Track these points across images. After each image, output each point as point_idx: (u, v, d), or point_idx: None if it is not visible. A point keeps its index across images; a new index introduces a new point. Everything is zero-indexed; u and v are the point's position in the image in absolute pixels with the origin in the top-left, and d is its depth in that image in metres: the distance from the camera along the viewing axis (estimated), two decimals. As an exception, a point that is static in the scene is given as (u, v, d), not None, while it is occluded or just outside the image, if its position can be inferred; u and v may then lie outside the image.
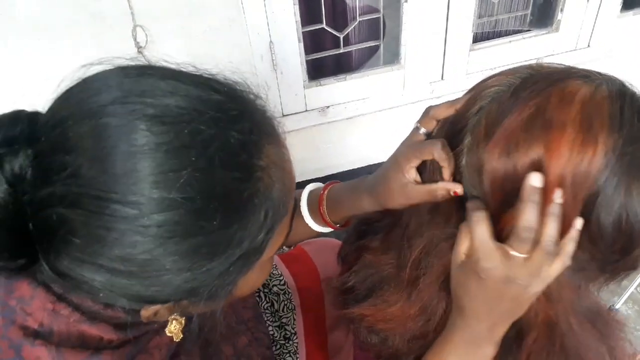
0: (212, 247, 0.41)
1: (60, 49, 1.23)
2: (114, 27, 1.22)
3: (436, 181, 0.54)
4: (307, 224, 0.73)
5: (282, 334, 0.80)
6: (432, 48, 1.51)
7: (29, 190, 0.39)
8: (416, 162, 0.56)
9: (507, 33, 1.62)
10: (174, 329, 0.50)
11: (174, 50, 1.30)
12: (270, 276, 0.87)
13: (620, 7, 1.62)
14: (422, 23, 1.44)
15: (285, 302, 0.83)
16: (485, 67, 1.60)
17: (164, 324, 0.51)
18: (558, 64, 0.52)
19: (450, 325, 0.55)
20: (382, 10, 1.47)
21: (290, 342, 0.79)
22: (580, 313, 0.53)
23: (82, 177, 0.37)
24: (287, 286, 0.85)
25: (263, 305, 0.83)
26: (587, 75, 0.48)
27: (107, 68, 0.44)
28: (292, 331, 0.80)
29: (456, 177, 0.53)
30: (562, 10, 1.56)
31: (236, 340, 0.69)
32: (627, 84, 0.49)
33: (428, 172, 0.56)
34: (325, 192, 0.72)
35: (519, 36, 1.59)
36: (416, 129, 0.59)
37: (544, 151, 0.45)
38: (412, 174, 0.57)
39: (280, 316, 0.82)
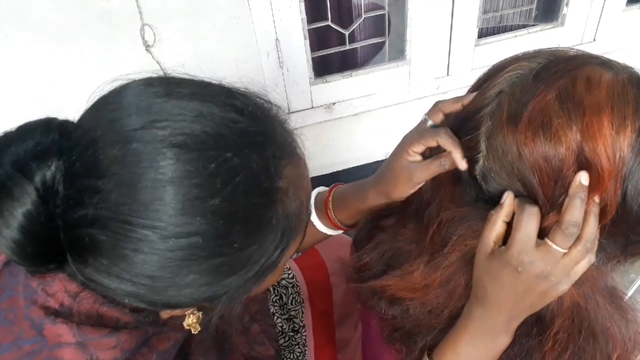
0: (232, 266, 0.43)
1: (71, 50, 1.25)
2: (122, 26, 1.24)
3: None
4: (316, 228, 0.74)
5: (291, 326, 0.81)
6: (437, 44, 1.52)
7: (60, 204, 0.41)
8: (419, 147, 0.58)
9: (513, 28, 1.62)
10: (191, 322, 0.52)
11: (182, 48, 1.32)
12: (279, 270, 0.88)
13: (626, 1, 1.62)
14: (427, 19, 1.45)
15: (294, 295, 0.84)
16: (491, 62, 1.58)
17: (182, 318, 0.53)
18: (573, 49, 0.53)
19: (466, 314, 0.55)
20: (387, 7, 1.47)
21: (299, 335, 0.80)
22: (603, 291, 0.54)
23: (112, 202, 0.39)
24: (296, 280, 0.86)
25: (272, 298, 0.84)
26: (605, 62, 0.49)
27: (134, 80, 0.45)
28: (301, 324, 0.82)
29: (471, 163, 0.53)
30: (567, 4, 1.56)
31: (248, 331, 0.71)
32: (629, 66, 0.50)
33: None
34: (331, 194, 0.73)
35: (524, 31, 1.59)
36: (423, 121, 0.60)
37: (582, 135, 0.45)
38: (416, 158, 0.59)
39: (289, 309, 0.83)
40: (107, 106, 0.43)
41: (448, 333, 0.57)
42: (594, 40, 1.66)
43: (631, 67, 0.50)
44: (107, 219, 0.39)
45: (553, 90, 0.47)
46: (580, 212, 0.46)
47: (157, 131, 0.40)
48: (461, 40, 1.52)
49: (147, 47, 1.28)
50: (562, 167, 0.46)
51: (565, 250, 0.46)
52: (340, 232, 0.75)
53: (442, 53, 1.54)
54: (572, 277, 0.48)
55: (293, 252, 0.51)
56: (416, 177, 0.59)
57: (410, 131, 0.62)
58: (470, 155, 0.52)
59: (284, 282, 0.86)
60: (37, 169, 0.40)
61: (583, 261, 0.47)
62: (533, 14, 1.64)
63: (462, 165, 0.52)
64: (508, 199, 0.49)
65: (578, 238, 0.46)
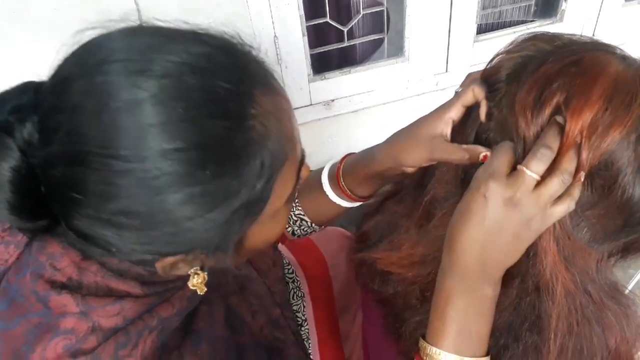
0: (209, 197, 0.42)
1: (71, 47, 1.24)
2: (121, 24, 1.24)
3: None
4: (331, 200, 0.74)
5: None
6: (436, 40, 1.51)
7: (36, 152, 0.42)
8: (457, 111, 0.56)
9: (512, 24, 1.62)
10: (196, 282, 0.52)
11: (180, 45, 1.31)
12: (279, 266, 0.88)
13: (625, -5, 1.62)
14: (425, 15, 1.45)
15: (295, 290, 0.84)
16: (490, 58, 1.59)
17: (187, 279, 0.53)
18: (587, 37, 0.54)
19: (440, 276, 0.51)
20: (385, 4, 1.47)
21: (302, 329, 0.80)
22: (600, 284, 0.54)
23: (77, 135, 0.40)
24: (296, 274, 0.86)
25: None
26: (623, 57, 0.50)
27: (103, 31, 0.47)
28: (303, 318, 0.82)
29: (483, 136, 0.53)
30: (566, 0, 1.55)
31: (269, 314, 0.70)
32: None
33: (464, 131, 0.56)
34: (342, 163, 0.73)
35: (523, 27, 1.59)
36: (455, 94, 0.57)
37: (576, 95, 0.46)
38: (448, 128, 0.56)
39: (291, 304, 0.83)
40: (75, 52, 0.45)
41: (432, 304, 0.53)
42: (593, 35, 1.66)
43: (637, 59, 0.50)
44: (73, 153, 0.40)
45: (562, 60, 0.48)
46: (555, 139, 0.45)
47: (117, 64, 0.41)
48: (460, 36, 1.52)
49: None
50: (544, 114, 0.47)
51: (538, 177, 0.45)
52: (356, 203, 0.74)
53: (441, 49, 1.54)
54: (547, 216, 0.46)
55: (287, 193, 0.50)
56: (437, 153, 0.56)
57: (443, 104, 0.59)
58: (484, 127, 0.53)
59: (285, 277, 0.86)
60: (17, 124, 0.42)
61: (560, 204, 0.45)
62: (532, 10, 1.64)
63: (488, 153, 0.50)
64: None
65: (554, 168, 0.45)
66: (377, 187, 0.73)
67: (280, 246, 0.92)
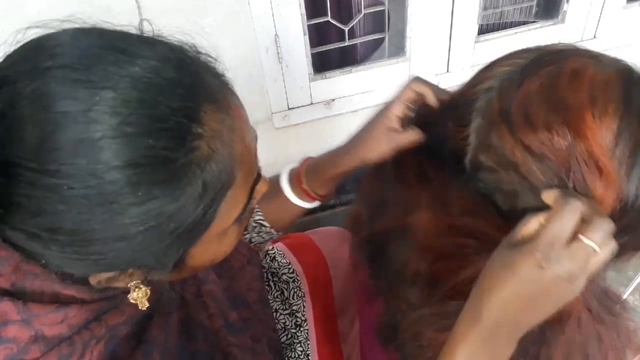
0: (141, 218, 0.40)
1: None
2: (120, 21, 1.23)
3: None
4: (291, 202, 0.76)
5: (293, 321, 0.81)
6: (437, 40, 1.51)
7: None
8: (399, 108, 0.64)
9: (513, 25, 1.61)
10: (136, 296, 0.49)
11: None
12: (279, 265, 0.87)
13: (627, -3, 1.62)
14: (427, 15, 1.44)
15: (295, 290, 0.84)
16: (491, 59, 1.59)
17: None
18: (567, 44, 0.53)
19: (462, 324, 0.47)
20: (386, 3, 1.46)
21: (301, 330, 0.80)
22: (595, 295, 0.53)
23: (5, 142, 0.37)
24: (296, 274, 0.86)
25: (273, 294, 0.84)
26: (594, 56, 0.49)
27: (47, 31, 0.44)
28: (303, 318, 0.81)
29: (459, 151, 0.53)
30: (567, 1, 1.55)
31: (228, 315, 0.68)
32: (632, 65, 0.50)
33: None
34: (305, 165, 0.76)
35: (524, 28, 1.59)
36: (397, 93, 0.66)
37: (571, 134, 0.45)
38: (396, 123, 0.64)
39: (291, 304, 0.82)
40: (16, 51, 0.42)
41: (446, 342, 0.49)
42: (595, 37, 1.66)
43: (622, 61, 0.50)
44: (1, 162, 0.37)
45: (537, 83, 0.47)
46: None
47: (60, 71, 0.38)
48: (461, 36, 1.51)
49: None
50: (556, 161, 0.46)
51: (599, 250, 0.42)
52: (315, 203, 0.77)
53: (442, 50, 1.54)
54: (589, 274, 0.43)
55: (236, 214, 0.47)
56: (394, 143, 0.63)
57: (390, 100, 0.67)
58: (459, 145, 0.52)
59: (284, 277, 0.85)
60: None
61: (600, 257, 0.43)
62: (533, 11, 1.64)
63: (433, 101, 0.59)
64: (550, 195, 0.45)
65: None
66: (336, 184, 0.77)
67: (280, 245, 0.92)
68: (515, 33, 1.58)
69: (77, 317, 0.47)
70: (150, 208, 0.40)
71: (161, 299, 0.56)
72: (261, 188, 0.52)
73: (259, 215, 0.80)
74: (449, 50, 1.54)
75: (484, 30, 1.58)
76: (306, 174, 0.75)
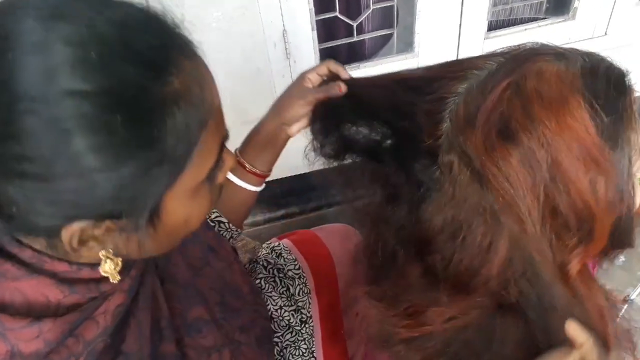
0: (119, 146, 0.39)
1: None
2: None
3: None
4: (237, 185, 0.79)
5: (299, 317, 0.81)
6: (446, 36, 1.50)
7: None
8: (314, 75, 0.73)
9: (523, 21, 1.60)
10: (108, 268, 0.48)
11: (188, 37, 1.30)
12: (285, 261, 0.87)
13: (639, -6, 1.60)
14: (436, 11, 1.43)
15: (301, 286, 0.84)
16: (500, 55, 1.58)
17: (112, 288, 0.50)
18: (535, 43, 0.52)
19: None
20: (395, -2, 1.46)
21: (307, 326, 0.80)
22: None
23: None
24: (302, 270, 0.86)
25: (279, 290, 0.83)
26: (560, 54, 0.48)
27: None
28: (308, 314, 0.81)
29: (434, 154, 0.53)
30: (579, -3, 1.54)
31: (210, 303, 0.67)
32: (606, 58, 0.49)
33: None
34: (240, 145, 0.81)
35: (534, 24, 1.57)
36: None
37: (536, 143, 0.44)
38: (309, 82, 0.72)
39: (296, 300, 0.82)
40: None
41: None
42: (606, 34, 1.64)
43: (595, 55, 0.49)
44: None
45: (502, 90, 0.46)
46: None
47: (34, 10, 0.38)
48: (470, 33, 1.50)
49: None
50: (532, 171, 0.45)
51: None
52: (260, 187, 0.81)
53: (451, 46, 1.53)
54: None
55: (206, 167, 0.47)
56: (309, 96, 0.70)
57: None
58: (433, 144, 0.52)
59: (290, 273, 0.85)
60: None
61: None
62: (544, 7, 1.62)
63: (344, 87, 0.66)
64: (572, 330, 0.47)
65: None
66: (272, 158, 0.81)
67: (286, 241, 0.91)
68: (525, 29, 1.57)
69: (53, 332, 0.46)
70: (129, 135, 0.39)
71: (138, 296, 0.55)
72: (229, 161, 0.53)
73: (215, 212, 0.81)
74: (458, 46, 1.53)
75: (493, 26, 1.57)
76: (240, 148, 0.80)
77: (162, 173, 0.43)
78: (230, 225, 0.82)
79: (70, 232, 0.42)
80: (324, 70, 0.74)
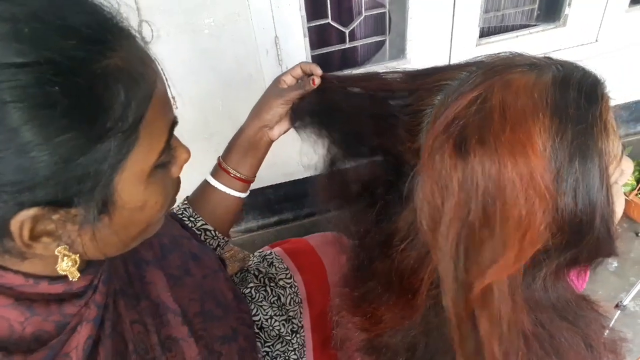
0: (58, 118, 0.37)
1: None
2: (119, 22, 1.22)
3: None
4: (220, 191, 0.79)
5: (290, 327, 0.80)
6: (438, 43, 1.50)
7: None
8: (288, 77, 0.75)
9: (514, 28, 1.61)
10: (65, 266, 0.45)
11: (180, 45, 1.30)
12: (276, 270, 0.86)
13: (629, 1, 1.61)
14: (428, 18, 1.43)
15: (292, 296, 0.83)
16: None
17: (77, 313, 0.49)
18: (513, 52, 0.52)
19: None
20: (387, 5, 1.46)
21: (297, 336, 0.79)
22: (549, 308, 0.52)
23: None
24: (294, 280, 0.85)
25: (270, 299, 0.83)
26: (533, 64, 0.47)
27: None
28: (299, 324, 0.80)
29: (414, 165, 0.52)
30: (569, 4, 1.55)
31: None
32: (580, 66, 0.48)
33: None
34: (223, 152, 0.82)
35: (525, 31, 1.58)
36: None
37: (497, 158, 0.44)
38: (284, 83, 0.75)
39: (287, 310, 0.81)
40: None
41: None
42: (596, 40, 1.65)
43: (570, 64, 0.48)
44: None
45: (467, 102, 0.46)
46: None
47: None
48: (462, 39, 1.51)
49: (145, 43, 1.26)
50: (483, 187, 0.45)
51: None
52: (244, 193, 0.82)
53: (443, 52, 1.53)
54: None
55: (154, 152, 0.45)
56: (285, 95, 0.73)
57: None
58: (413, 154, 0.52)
59: (282, 282, 0.85)
60: None
61: None
62: (535, 14, 1.63)
63: (317, 80, 0.70)
64: None
65: None
66: (255, 162, 0.82)
67: (278, 250, 0.91)
68: (517, 36, 1.57)
69: None
70: (68, 108, 0.38)
71: (103, 323, 0.52)
72: (183, 154, 0.52)
73: (201, 220, 0.81)
74: (450, 53, 1.53)
75: (485, 33, 1.58)
76: (223, 155, 0.81)
77: (106, 150, 0.41)
78: (217, 233, 0.82)
79: (20, 222, 0.40)
80: (297, 71, 0.75)
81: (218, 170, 0.81)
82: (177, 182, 0.54)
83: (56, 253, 0.44)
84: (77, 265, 0.46)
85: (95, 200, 0.42)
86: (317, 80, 0.70)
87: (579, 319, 0.52)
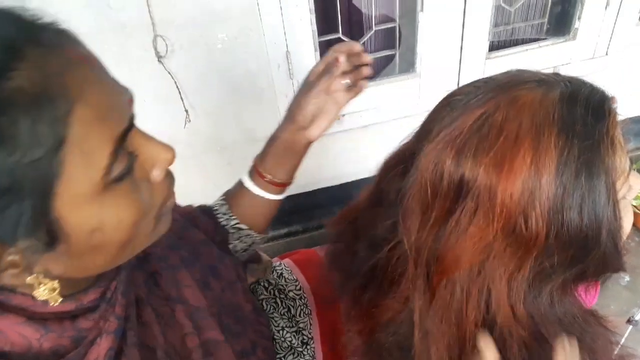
0: None
1: None
2: (135, 37, 1.25)
3: None
4: (256, 195, 0.77)
5: (300, 339, 0.81)
6: (448, 57, 1.52)
7: None
8: (318, 66, 0.72)
9: (524, 41, 1.62)
10: (43, 292, 0.43)
11: (193, 59, 1.33)
12: (286, 282, 0.87)
13: (639, 15, 1.61)
14: (437, 32, 1.45)
15: (302, 307, 0.84)
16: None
17: (93, 328, 0.48)
18: (520, 69, 0.52)
19: None
20: (397, 20, 1.47)
21: (308, 347, 0.79)
22: (554, 322, 0.52)
23: None
24: (303, 291, 0.86)
25: (280, 311, 0.83)
26: (541, 80, 0.48)
27: None
28: (309, 336, 0.81)
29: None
30: (579, 18, 1.55)
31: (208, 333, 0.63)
32: (589, 83, 0.48)
33: None
34: (259, 154, 0.79)
35: (535, 45, 1.59)
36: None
37: (497, 173, 0.45)
38: (314, 75, 0.72)
39: (297, 321, 0.82)
40: None
41: None
42: (607, 54, 1.66)
43: (579, 81, 0.48)
44: None
45: (472, 117, 0.47)
46: None
47: None
48: (472, 53, 1.52)
49: (159, 57, 1.29)
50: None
51: None
52: (281, 195, 0.80)
53: (453, 66, 1.54)
54: None
55: (99, 163, 0.41)
56: (314, 87, 0.70)
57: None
58: None
59: (291, 294, 0.85)
60: None
61: None
62: (545, 28, 1.64)
63: (342, 57, 0.70)
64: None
65: None
66: (292, 166, 0.78)
67: (287, 261, 0.92)
68: (527, 50, 1.58)
69: None
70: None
71: (125, 333, 0.52)
72: (160, 154, 0.46)
73: (235, 220, 0.79)
74: (460, 66, 1.54)
75: (495, 46, 1.59)
76: (260, 158, 0.78)
77: (24, 182, 0.37)
78: (251, 231, 0.80)
79: None
80: (328, 58, 0.72)
81: (253, 173, 0.78)
82: (164, 187, 0.48)
83: (27, 282, 0.42)
84: (57, 290, 0.44)
85: (37, 233, 0.40)
86: (342, 58, 0.67)
87: (586, 334, 0.52)
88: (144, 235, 0.48)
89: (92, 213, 0.42)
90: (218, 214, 0.80)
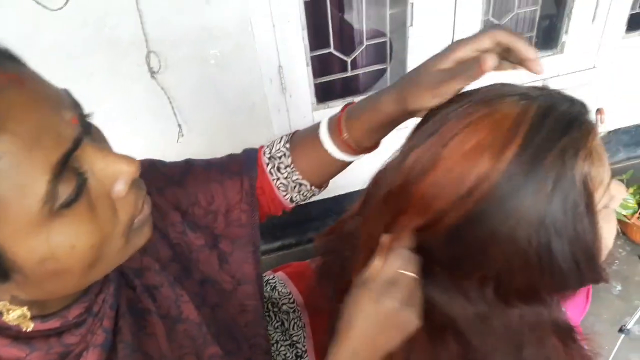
0: None
1: (78, 73, 1.27)
2: (128, 53, 1.26)
3: None
4: (331, 156, 0.68)
5: (294, 352, 0.80)
6: (438, 70, 1.53)
7: None
8: (463, 51, 0.53)
9: (513, 55, 1.64)
10: (13, 318, 0.43)
11: (187, 75, 1.34)
12: (279, 295, 0.87)
13: (625, 28, 1.64)
14: (428, 46, 1.47)
15: (295, 320, 0.84)
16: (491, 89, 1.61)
17: (80, 342, 0.48)
18: (503, 83, 0.52)
19: (332, 347, 0.57)
20: (388, 34, 1.50)
21: (301, 361, 0.79)
22: (547, 328, 0.53)
23: None
24: (296, 304, 0.86)
25: (274, 324, 0.83)
26: (524, 93, 0.48)
27: None
28: (303, 349, 0.81)
29: None
30: (566, 32, 1.58)
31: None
32: (570, 97, 0.49)
33: None
34: (344, 112, 0.67)
35: (524, 58, 1.61)
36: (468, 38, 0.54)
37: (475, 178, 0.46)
38: (452, 62, 0.54)
39: (291, 334, 0.82)
40: None
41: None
42: (594, 67, 1.68)
43: (559, 95, 0.49)
44: None
45: (454, 129, 0.48)
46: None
47: None
48: (462, 66, 1.53)
49: (153, 73, 1.30)
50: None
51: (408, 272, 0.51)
52: (359, 156, 0.70)
53: (443, 79, 1.56)
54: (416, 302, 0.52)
55: (42, 192, 0.38)
56: (440, 87, 0.52)
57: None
58: None
59: (285, 307, 0.85)
60: None
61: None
62: (532, 41, 1.67)
63: (492, 61, 0.49)
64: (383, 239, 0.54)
65: None
66: (381, 136, 0.67)
67: (281, 274, 0.92)
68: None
69: None
70: None
71: (116, 346, 0.51)
72: (122, 167, 0.43)
73: (297, 175, 0.72)
74: (450, 80, 1.56)
75: (484, 60, 1.60)
76: (346, 122, 0.65)
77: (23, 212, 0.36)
78: (312, 187, 0.75)
79: None
80: (483, 44, 0.52)
81: (337, 138, 0.67)
82: (129, 202, 0.45)
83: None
84: (27, 317, 0.44)
85: None
86: (491, 62, 0.49)
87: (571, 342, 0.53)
88: (115, 253, 0.45)
89: (38, 243, 0.40)
90: (280, 164, 0.73)
